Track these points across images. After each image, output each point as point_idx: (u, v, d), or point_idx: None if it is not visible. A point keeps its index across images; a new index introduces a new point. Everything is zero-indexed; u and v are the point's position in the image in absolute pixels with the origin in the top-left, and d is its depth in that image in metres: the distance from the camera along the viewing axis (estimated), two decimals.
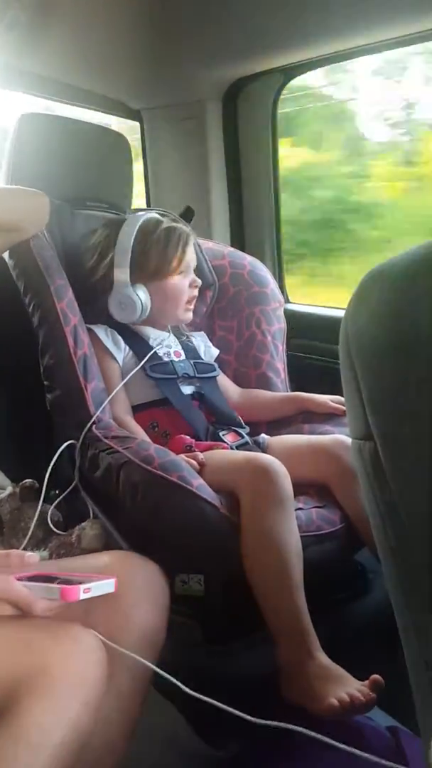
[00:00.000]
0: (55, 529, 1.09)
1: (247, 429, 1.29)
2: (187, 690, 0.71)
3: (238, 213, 1.77)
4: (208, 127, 1.68)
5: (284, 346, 1.50)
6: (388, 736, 0.89)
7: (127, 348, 1.28)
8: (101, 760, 0.73)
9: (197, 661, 1.04)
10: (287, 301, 1.74)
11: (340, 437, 1.19)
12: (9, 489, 1.13)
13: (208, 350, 1.41)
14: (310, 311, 1.73)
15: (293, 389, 1.46)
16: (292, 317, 1.55)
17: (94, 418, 1.14)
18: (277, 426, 1.38)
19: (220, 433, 1.23)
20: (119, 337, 1.28)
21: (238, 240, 1.78)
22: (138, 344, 1.29)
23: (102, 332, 1.27)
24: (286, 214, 1.74)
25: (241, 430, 1.27)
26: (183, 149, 1.74)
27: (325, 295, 2.05)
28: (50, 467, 1.09)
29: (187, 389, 1.28)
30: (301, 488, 1.12)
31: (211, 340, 1.45)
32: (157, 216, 1.34)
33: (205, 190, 1.73)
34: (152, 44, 1.48)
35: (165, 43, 1.47)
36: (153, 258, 1.27)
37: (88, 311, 1.25)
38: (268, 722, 0.70)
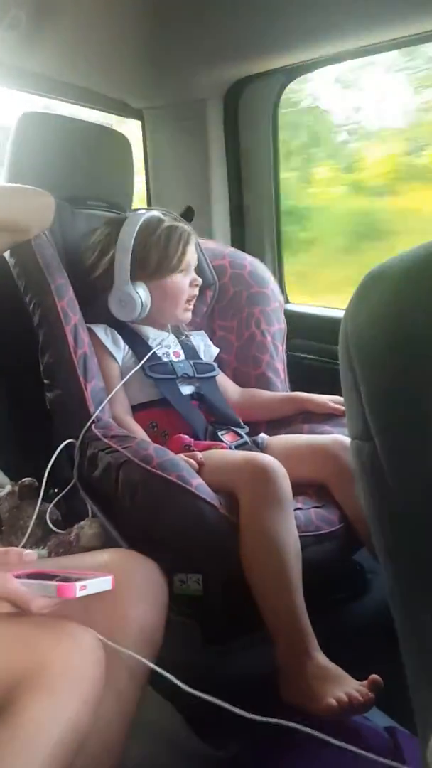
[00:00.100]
0: (54, 528, 1.09)
1: (246, 429, 1.30)
2: (186, 687, 0.71)
3: (239, 213, 1.77)
4: (209, 127, 1.68)
5: (284, 346, 1.50)
6: (385, 736, 0.89)
7: (127, 347, 1.28)
8: (99, 758, 0.73)
9: (196, 660, 1.04)
10: (287, 301, 1.74)
11: (339, 437, 1.19)
12: (8, 487, 1.13)
13: (207, 350, 1.41)
14: (310, 312, 1.74)
15: (293, 389, 1.46)
16: (291, 317, 1.55)
17: (93, 417, 1.14)
18: (276, 426, 1.38)
19: (219, 433, 1.23)
20: (119, 337, 1.28)
21: (239, 240, 1.78)
22: (137, 344, 1.29)
23: (101, 332, 1.27)
24: None
25: (240, 430, 1.27)
26: (184, 149, 1.74)
27: None
28: (49, 466, 1.09)
29: (187, 389, 1.28)
30: (300, 488, 1.12)
31: (211, 339, 1.45)
32: (158, 215, 1.34)
33: (205, 190, 1.73)
34: (154, 44, 1.48)
35: (166, 43, 1.47)
36: (154, 256, 1.27)
37: (88, 311, 1.25)
38: (267, 719, 0.70)
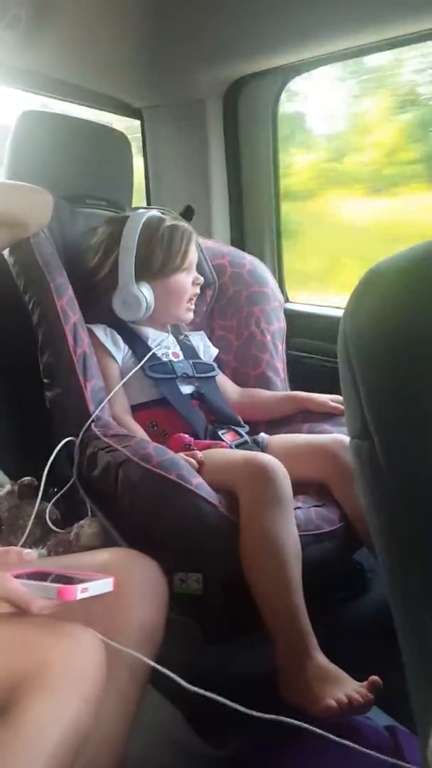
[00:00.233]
0: (53, 527, 1.09)
1: (247, 428, 1.29)
2: (186, 685, 0.71)
3: (239, 212, 1.77)
4: (209, 126, 1.68)
5: (284, 345, 1.50)
6: (386, 735, 0.89)
7: (127, 348, 1.28)
8: (100, 758, 0.73)
9: (195, 660, 1.04)
10: (287, 300, 1.74)
11: (339, 436, 1.19)
12: (8, 487, 1.12)
13: (207, 350, 1.41)
14: (310, 311, 1.73)
15: (292, 388, 1.46)
16: (291, 317, 1.55)
17: (93, 416, 1.14)
18: (276, 425, 1.37)
19: (220, 432, 1.24)
20: (118, 337, 1.28)
21: (238, 239, 1.78)
22: (137, 344, 1.29)
23: (101, 332, 1.27)
24: None
25: (240, 429, 1.27)
26: (184, 148, 1.74)
27: None
28: (48, 464, 1.09)
29: (187, 389, 1.28)
30: (300, 487, 1.12)
31: (210, 339, 1.45)
32: (158, 214, 1.34)
33: (205, 189, 1.73)
34: (153, 43, 1.48)
35: (166, 42, 1.47)
36: (157, 256, 1.27)
37: (87, 311, 1.25)
38: (269, 716, 0.70)
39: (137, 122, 1.78)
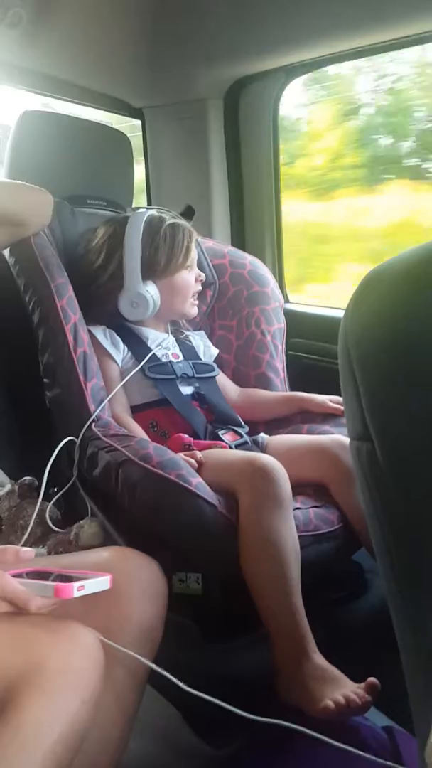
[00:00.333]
0: (53, 527, 1.09)
1: (247, 428, 1.30)
2: (184, 687, 0.71)
3: (239, 212, 1.77)
4: (210, 125, 1.68)
5: (284, 345, 1.50)
6: (384, 736, 0.89)
7: (126, 349, 1.28)
8: (99, 757, 0.73)
9: (195, 659, 1.04)
10: (287, 300, 1.74)
11: (338, 437, 1.19)
12: (8, 486, 1.13)
13: (207, 350, 1.41)
14: (310, 311, 1.73)
15: (292, 389, 1.46)
16: (291, 317, 1.55)
17: (93, 416, 1.14)
18: (275, 426, 1.38)
19: (219, 433, 1.24)
20: (118, 338, 1.28)
21: (239, 239, 1.78)
22: (137, 345, 1.29)
23: (100, 333, 1.27)
24: None
25: (240, 430, 1.27)
26: (184, 148, 1.74)
27: None
28: (49, 464, 1.09)
29: (187, 389, 1.28)
30: (299, 488, 1.12)
31: (210, 339, 1.45)
32: (158, 214, 1.34)
33: (205, 189, 1.73)
34: (154, 43, 1.48)
35: (167, 42, 1.47)
36: (162, 255, 1.28)
37: (86, 312, 1.25)
38: (267, 719, 0.70)
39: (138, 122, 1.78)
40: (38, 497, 1.09)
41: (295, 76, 1.62)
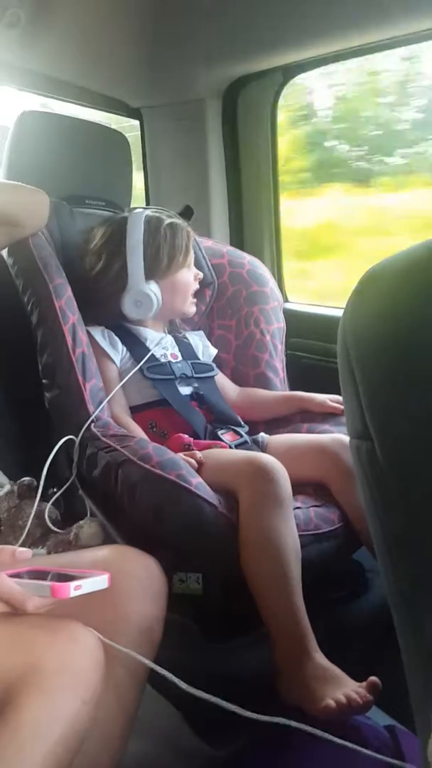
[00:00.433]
0: (52, 528, 1.09)
1: (246, 428, 1.29)
2: (185, 686, 0.71)
3: (238, 211, 1.77)
4: (208, 125, 1.68)
5: (283, 345, 1.50)
6: (386, 735, 0.89)
7: (125, 349, 1.28)
8: (99, 757, 0.73)
9: (195, 659, 1.04)
10: (286, 300, 1.74)
11: (338, 436, 1.19)
12: (7, 487, 1.12)
13: (206, 350, 1.41)
14: (309, 310, 1.73)
15: (292, 388, 1.46)
16: (290, 316, 1.55)
17: (92, 416, 1.14)
18: (275, 425, 1.38)
19: (219, 433, 1.23)
20: (116, 339, 1.28)
21: (237, 238, 1.78)
22: (135, 346, 1.29)
23: (99, 334, 1.27)
24: None
25: (240, 429, 1.27)
26: (183, 148, 1.74)
27: None
28: (47, 464, 1.09)
29: (186, 389, 1.28)
30: (299, 487, 1.12)
31: (209, 339, 1.45)
32: (156, 213, 1.34)
33: (204, 189, 1.73)
34: (152, 43, 1.48)
35: (165, 42, 1.47)
36: (163, 254, 1.28)
37: (84, 313, 1.25)
38: (267, 718, 0.70)
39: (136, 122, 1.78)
40: (37, 498, 1.08)
41: (293, 75, 1.62)
